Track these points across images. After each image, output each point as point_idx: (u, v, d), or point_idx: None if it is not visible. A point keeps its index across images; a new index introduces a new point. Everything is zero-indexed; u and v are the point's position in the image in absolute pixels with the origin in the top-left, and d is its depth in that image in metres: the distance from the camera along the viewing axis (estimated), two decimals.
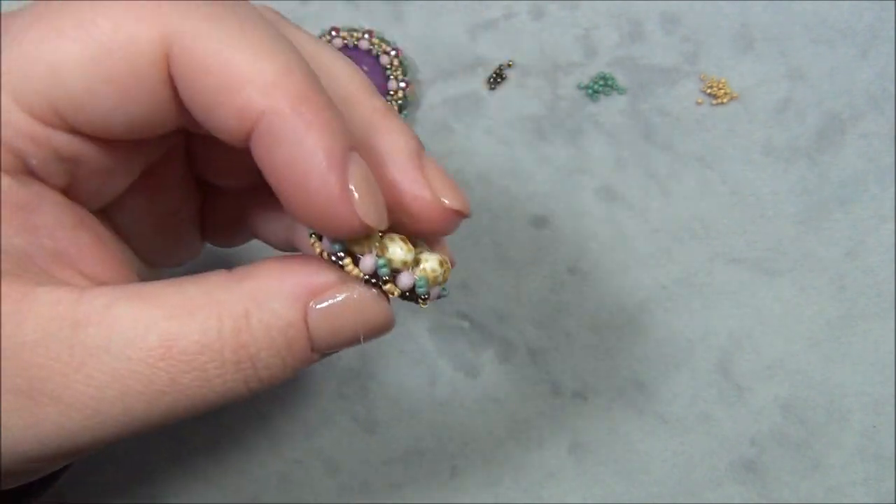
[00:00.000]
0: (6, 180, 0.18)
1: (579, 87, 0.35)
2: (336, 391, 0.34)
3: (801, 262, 0.34)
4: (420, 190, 0.20)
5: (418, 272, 0.20)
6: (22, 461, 0.19)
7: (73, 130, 0.19)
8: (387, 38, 0.35)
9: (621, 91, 0.35)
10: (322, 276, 0.19)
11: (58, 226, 0.19)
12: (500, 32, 0.35)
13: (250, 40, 0.18)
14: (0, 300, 0.18)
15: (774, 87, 0.35)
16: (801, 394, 0.33)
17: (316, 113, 0.18)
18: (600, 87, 0.35)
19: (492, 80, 0.35)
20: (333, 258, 0.19)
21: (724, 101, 0.34)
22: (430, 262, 0.20)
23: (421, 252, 0.20)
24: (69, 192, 0.20)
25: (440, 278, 0.20)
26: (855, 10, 0.35)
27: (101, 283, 0.20)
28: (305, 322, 0.19)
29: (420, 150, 0.21)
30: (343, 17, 0.35)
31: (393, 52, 0.34)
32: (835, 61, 0.35)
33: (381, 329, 0.20)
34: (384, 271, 0.19)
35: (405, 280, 0.20)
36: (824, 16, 0.35)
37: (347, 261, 0.19)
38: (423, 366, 0.34)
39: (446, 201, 0.20)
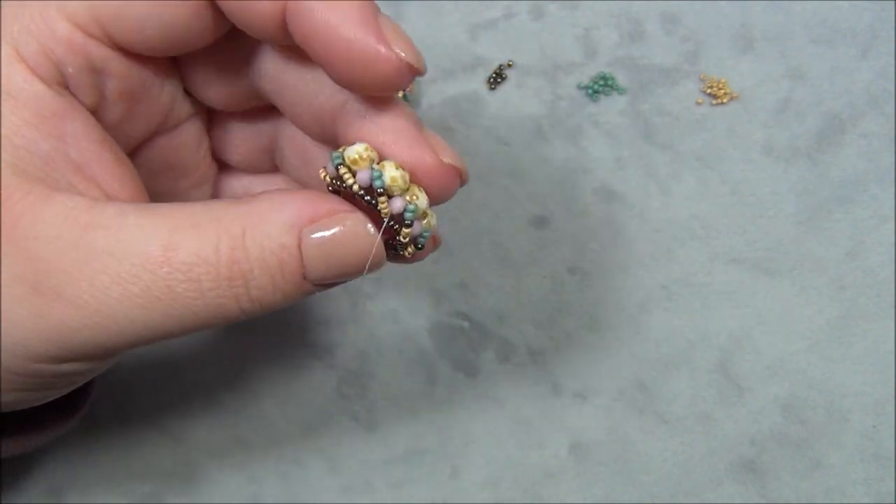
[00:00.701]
0: (41, 87, 0.20)
1: (579, 87, 0.35)
2: (336, 391, 0.34)
3: (801, 262, 0.34)
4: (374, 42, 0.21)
5: (424, 223, 0.21)
6: (27, 358, 0.20)
7: (109, 43, 0.20)
8: None
9: (621, 91, 0.35)
10: (319, 206, 0.20)
11: (84, 138, 0.21)
12: (500, 32, 0.35)
13: None
14: (21, 197, 0.19)
15: (774, 87, 0.35)
16: (801, 394, 0.33)
17: None
18: (600, 87, 0.35)
19: (492, 80, 0.35)
20: (368, 198, 0.20)
21: (724, 101, 0.34)
22: (434, 218, 0.21)
23: (412, 187, 0.21)
24: (96, 114, 0.21)
25: (429, 227, 0.21)
26: (855, 10, 0.35)
27: (117, 198, 0.21)
28: (299, 248, 0.20)
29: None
30: None
31: None
32: (835, 61, 0.35)
33: (372, 263, 0.20)
34: (409, 216, 0.20)
35: (417, 228, 0.21)
36: (824, 16, 0.35)
37: (383, 199, 0.20)
38: (423, 366, 0.34)
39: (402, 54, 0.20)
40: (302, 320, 0.34)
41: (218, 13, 0.20)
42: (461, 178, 0.22)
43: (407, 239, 0.21)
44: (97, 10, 0.20)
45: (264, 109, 0.25)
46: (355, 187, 0.20)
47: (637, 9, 0.35)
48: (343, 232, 0.20)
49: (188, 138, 0.25)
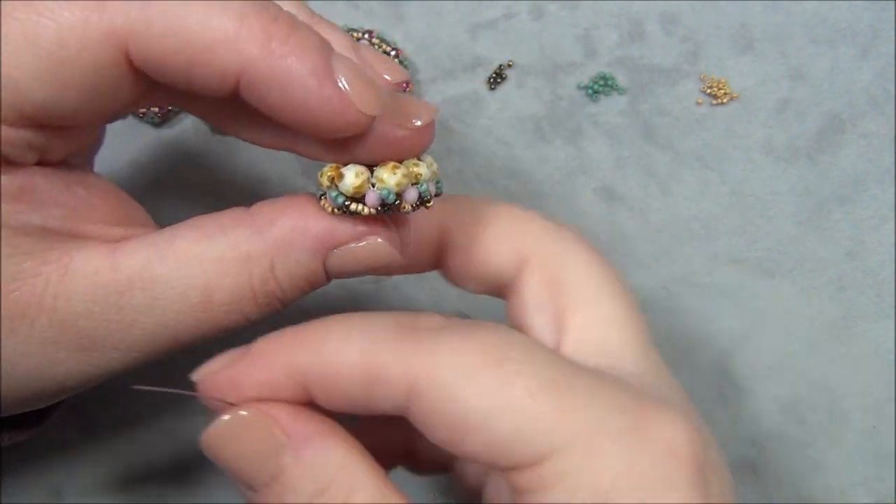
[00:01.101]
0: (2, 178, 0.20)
1: (579, 87, 0.35)
2: None
3: (801, 262, 0.34)
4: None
5: (421, 179, 0.21)
6: (76, 390, 0.21)
7: (38, 125, 0.20)
8: (387, 38, 0.35)
9: (621, 91, 0.35)
10: (340, 229, 0.21)
11: (54, 192, 0.21)
12: (500, 32, 0.35)
13: (197, 3, 0.19)
14: (46, 278, 0.20)
15: (774, 87, 0.35)
16: (801, 394, 0.33)
17: (285, 42, 0.19)
18: (600, 87, 0.35)
19: (492, 80, 0.35)
20: (385, 209, 0.21)
21: (724, 101, 0.34)
22: (434, 164, 0.22)
23: (408, 166, 0.21)
24: (44, 161, 0.21)
25: (436, 176, 0.22)
26: (855, 10, 0.35)
27: (108, 221, 0.22)
28: (324, 266, 0.21)
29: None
30: (343, 17, 0.35)
31: (393, 53, 0.34)
32: (835, 61, 0.35)
33: (391, 265, 0.22)
34: (426, 192, 0.21)
35: (432, 188, 0.21)
36: (824, 16, 0.35)
37: (402, 205, 0.21)
38: None
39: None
40: (302, 320, 0.34)
41: (142, 77, 0.20)
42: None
43: (409, 209, 0.21)
44: (23, 110, 0.19)
45: None
46: (373, 211, 0.21)
47: (637, 9, 0.35)
48: (363, 247, 0.21)
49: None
